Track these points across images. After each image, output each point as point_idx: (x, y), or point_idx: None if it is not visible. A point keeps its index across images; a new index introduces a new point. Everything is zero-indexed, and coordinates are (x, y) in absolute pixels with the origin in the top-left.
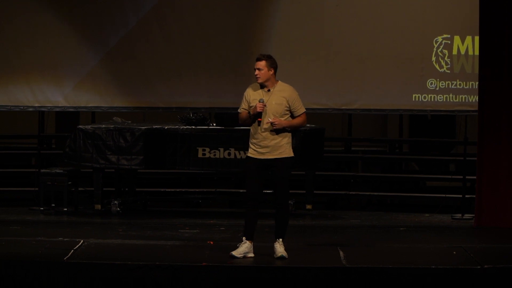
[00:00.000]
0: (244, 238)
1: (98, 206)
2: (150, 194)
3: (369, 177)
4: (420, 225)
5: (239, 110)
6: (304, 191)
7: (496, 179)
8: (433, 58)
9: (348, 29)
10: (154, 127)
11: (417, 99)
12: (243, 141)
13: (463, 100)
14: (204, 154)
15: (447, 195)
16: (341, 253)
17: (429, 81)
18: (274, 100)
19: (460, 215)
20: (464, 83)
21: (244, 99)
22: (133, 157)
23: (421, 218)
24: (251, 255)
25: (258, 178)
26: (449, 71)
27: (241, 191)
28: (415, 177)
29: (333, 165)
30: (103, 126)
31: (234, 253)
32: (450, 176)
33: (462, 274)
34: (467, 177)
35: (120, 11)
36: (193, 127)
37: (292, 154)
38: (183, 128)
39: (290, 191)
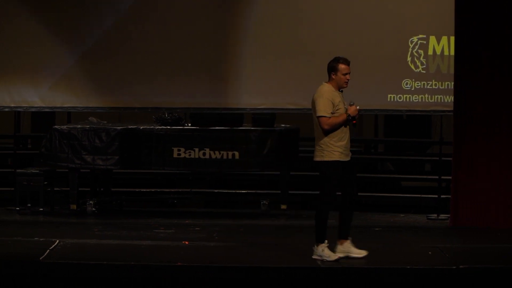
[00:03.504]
0: (326, 241)
1: (74, 206)
2: (126, 194)
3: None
4: (395, 225)
5: (325, 115)
6: (279, 191)
7: (472, 179)
8: (409, 58)
9: (323, 30)
10: (129, 127)
11: (392, 99)
12: (218, 141)
13: (439, 100)
14: (179, 154)
15: (422, 195)
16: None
17: (404, 81)
18: (350, 102)
19: (436, 215)
20: (440, 83)
21: (329, 103)
22: (108, 157)
23: (396, 218)
24: None
25: (339, 181)
26: (424, 71)
27: (216, 191)
28: (390, 177)
29: (308, 165)
30: (79, 126)
31: (336, 257)
32: (425, 176)
33: (438, 274)
34: (442, 177)
35: (96, 12)
36: (168, 127)
37: None
38: (158, 128)
39: (264, 191)
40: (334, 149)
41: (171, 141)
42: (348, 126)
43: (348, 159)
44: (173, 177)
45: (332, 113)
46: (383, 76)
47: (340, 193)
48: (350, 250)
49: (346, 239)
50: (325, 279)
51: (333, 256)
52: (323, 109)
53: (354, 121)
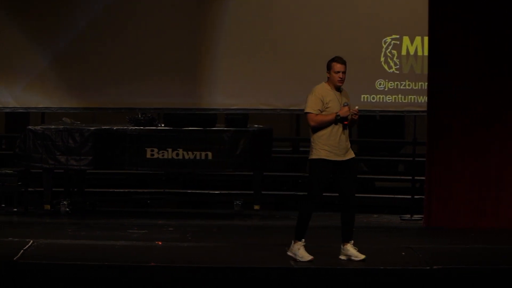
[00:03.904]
0: (303, 240)
1: (48, 207)
2: (99, 195)
3: None
4: (369, 225)
5: (312, 111)
6: (252, 192)
7: (445, 179)
8: (382, 59)
9: (297, 30)
10: (103, 127)
11: (365, 100)
12: (191, 142)
13: (412, 101)
14: (152, 155)
15: (396, 196)
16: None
17: (377, 82)
18: (343, 102)
19: (409, 215)
20: (413, 83)
21: (317, 100)
22: (82, 157)
23: (370, 219)
24: None
25: (328, 181)
26: (398, 72)
27: (189, 191)
28: (364, 177)
29: (281, 165)
30: (53, 126)
31: (310, 258)
32: (399, 177)
33: (411, 274)
34: (416, 177)
35: (69, 13)
36: (142, 127)
37: None
38: (131, 128)
39: (237, 192)
40: (322, 147)
41: (145, 141)
42: (341, 127)
43: (340, 159)
44: (146, 178)
45: (320, 110)
46: (357, 77)
47: (338, 195)
48: (348, 252)
49: (347, 242)
50: (300, 280)
51: (306, 257)
52: (309, 106)
53: (346, 122)
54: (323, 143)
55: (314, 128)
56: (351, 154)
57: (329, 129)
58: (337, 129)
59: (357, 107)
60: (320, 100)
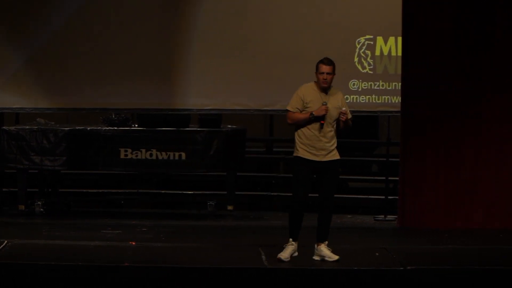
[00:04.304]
0: (291, 239)
1: (22, 207)
2: (74, 195)
3: (290, 178)
4: (342, 226)
5: (290, 109)
6: (225, 192)
7: (419, 180)
8: (356, 59)
9: (270, 30)
10: (77, 128)
11: None
12: (164, 142)
13: (386, 101)
14: (126, 155)
15: (369, 196)
16: (263, 254)
17: (351, 82)
18: (331, 104)
19: (383, 216)
20: (387, 84)
21: (297, 98)
22: (56, 158)
23: (343, 219)
24: (296, 254)
25: (309, 180)
26: (371, 72)
27: (163, 192)
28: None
29: (255, 165)
30: (27, 127)
31: (282, 257)
32: (373, 177)
33: (385, 275)
34: (390, 178)
35: (44, 14)
36: (115, 128)
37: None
38: (105, 129)
39: (211, 192)
40: (300, 146)
41: (118, 142)
42: (321, 127)
43: (319, 159)
44: (120, 178)
45: (298, 108)
46: None
47: (318, 195)
48: (321, 253)
49: (321, 242)
50: (273, 280)
51: (279, 255)
52: (289, 103)
53: (322, 121)
54: (301, 142)
55: (294, 126)
56: (333, 156)
57: (307, 128)
58: (316, 129)
59: (344, 108)
60: (301, 99)
